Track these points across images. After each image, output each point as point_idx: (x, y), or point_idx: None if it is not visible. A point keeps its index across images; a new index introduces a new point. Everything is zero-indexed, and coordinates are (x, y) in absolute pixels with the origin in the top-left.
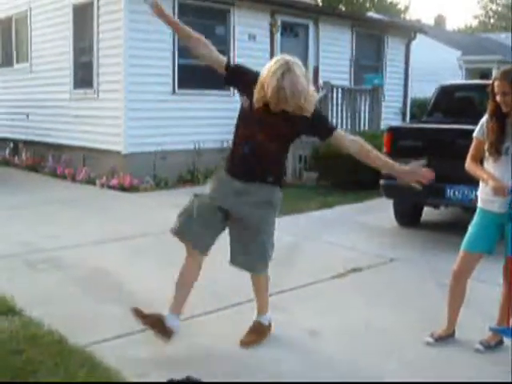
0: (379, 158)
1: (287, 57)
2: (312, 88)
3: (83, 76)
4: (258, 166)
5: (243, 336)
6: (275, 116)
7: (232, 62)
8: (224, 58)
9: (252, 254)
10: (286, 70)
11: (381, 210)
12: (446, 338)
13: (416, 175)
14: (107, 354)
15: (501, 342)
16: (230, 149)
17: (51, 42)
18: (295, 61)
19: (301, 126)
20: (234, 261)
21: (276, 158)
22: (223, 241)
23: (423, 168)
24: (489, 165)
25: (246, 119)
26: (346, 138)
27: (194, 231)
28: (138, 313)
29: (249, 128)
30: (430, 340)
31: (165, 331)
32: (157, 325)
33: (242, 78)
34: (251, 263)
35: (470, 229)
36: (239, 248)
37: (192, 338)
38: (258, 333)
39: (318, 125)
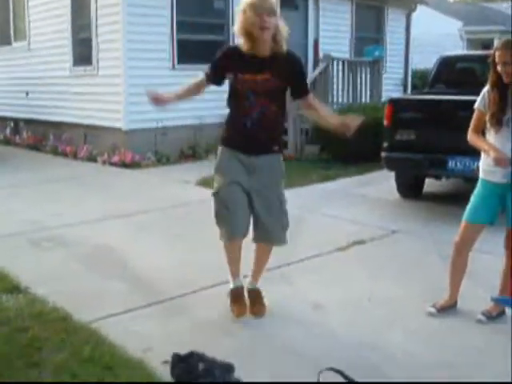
0: (327, 118)
1: None
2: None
3: (82, 53)
4: (262, 136)
5: (254, 307)
6: (262, 73)
7: (209, 71)
8: (199, 78)
9: (276, 227)
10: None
11: (382, 183)
12: (448, 308)
13: (346, 127)
14: (112, 330)
15: (503, 312)
16: (228, 123)
17: (49, 19)
18: None
19: (286, 71)
20: (258, 239)
21: (277, 121)
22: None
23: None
24: (490, 136)
25: (238, 92)
26: (318, 103)
27: (237, 227)
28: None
29: (244, 101)
30: (433, 310)
31: (243, 290)
32: (242, 296)
33: (220, 66)
34: (277, 236)
35: (472, 199)
36: (264, 223)
37: (196, 312)
38: (263, 301)
39: (300, 78)
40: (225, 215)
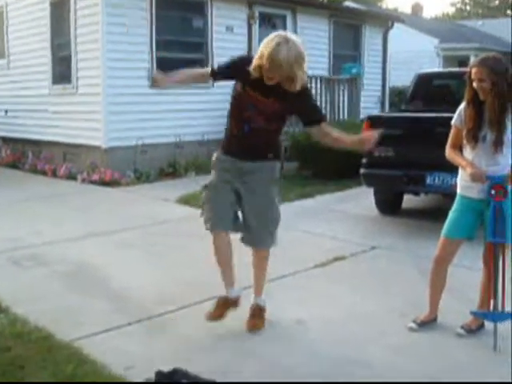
0: (342, 140)
1: (288, 33)
2: (304, 66)
3: (62, 71)
4: (257, 146)
5: (248, 322)
6: (269, 98)
7: (215, 67)
8: (205, 69)
9: (261, 230)
10: (284, 41)
11: (362, 199)
12: (428, 323)
13: (363, 143)
14: (94, 348)
15: (482, 326)
16: (227, 131)
17: (29, 37)
18: (294, 37)
19: (294, 104)
20: (244, 240)
21: (274, 136)
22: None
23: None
24: (467, 152)
25: (241, 103)
26: (331, 130)
27: (219, 217)
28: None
29: (245, 112)
30: (413, 325)
31: (232, 304)
32: (226, 306)
33: (229, 70)
34: (261, 240)
35: (450, 215)
36: (250, 226)
37: (178, 330)
38: (262, 317)
39: (309, 109)
40: (208, 206)
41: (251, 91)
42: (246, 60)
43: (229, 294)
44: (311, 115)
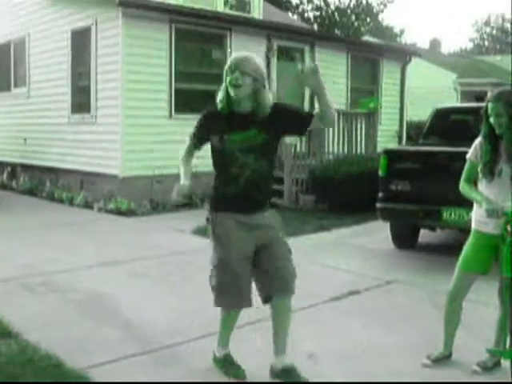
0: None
1: (241, 54)
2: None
3: (81, 100)
4: (256, 194)
5: None
6: (250, 129)
7: (193, 138)
8: (188, 147)
9: (288, 276)
10: (242, 60)
11: (378, 233)
12: (443, 359)
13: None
14: (105, 377)
15: (498, 363)
16: (218, 187)
17: (49, 66)
18: (249, 55)
19: (277, 123)
20: (273, 292)
21: (268, 176)
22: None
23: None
24: (482, 186)
25: (225, 154)
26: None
27: (240, 296)
28: None
29: (233, 160)
30: (428, 362)
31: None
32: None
33: (204, 132)
34: (290, 286)
35: (465, 250)
36: (276, 276)
37: (190, 362)
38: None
39: (293, 115)
40: (231, 289)
41: (230, 135)
42: (209, 111)
43: (227, 349)
44: (301, 119)
